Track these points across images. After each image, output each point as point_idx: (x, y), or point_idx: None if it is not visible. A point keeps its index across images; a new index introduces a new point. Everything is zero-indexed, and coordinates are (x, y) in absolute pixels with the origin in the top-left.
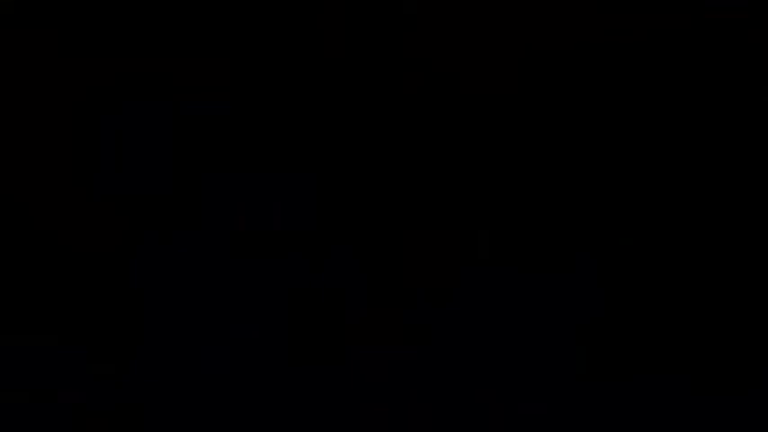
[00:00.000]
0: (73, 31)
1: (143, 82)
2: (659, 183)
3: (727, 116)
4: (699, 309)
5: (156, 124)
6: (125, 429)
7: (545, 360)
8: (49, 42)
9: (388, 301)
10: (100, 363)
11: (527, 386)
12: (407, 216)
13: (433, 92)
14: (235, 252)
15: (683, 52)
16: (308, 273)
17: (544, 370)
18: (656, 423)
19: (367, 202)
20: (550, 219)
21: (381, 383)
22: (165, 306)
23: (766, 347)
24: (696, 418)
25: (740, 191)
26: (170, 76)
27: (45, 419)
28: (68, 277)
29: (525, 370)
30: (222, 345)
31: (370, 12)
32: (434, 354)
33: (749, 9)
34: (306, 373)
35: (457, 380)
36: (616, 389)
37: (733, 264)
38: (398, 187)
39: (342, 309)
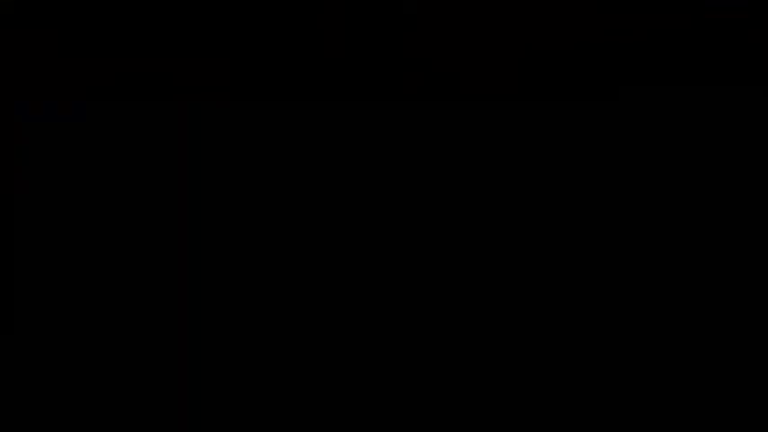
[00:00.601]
0: (73, 31)
1: (143, 82)
2: (659, 182)
3: (727, 116)
4: (699, 309)
5: (156, 124)
6: (125, 429)
7: (545, 360)
8: (49, 42)
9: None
10: (99, 362)
11: (527, 386)
12: (407, 216)
13: (433, 92)
14: (235, 252)
15: (683, 52)
16: (308, 273)
17: (544, 370)
18: (657, 423)
19: (367, 201)
20: (550, 219)
21: (381, 383)
22: (164, 306)
23: (766, 347)
24: (696, 418)
25: (740, 191)
26: (170, 76)
27: (45, 419)
28: (68, 276)
29: (525, 370)
30: (222, 344)
31: (370, 12)
32: (434, 353)
33: (749, 9)
34: (306, 373)
35: (457, 380)
36: (616, 389)
37: (733, 264)
38: (398, 187)
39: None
